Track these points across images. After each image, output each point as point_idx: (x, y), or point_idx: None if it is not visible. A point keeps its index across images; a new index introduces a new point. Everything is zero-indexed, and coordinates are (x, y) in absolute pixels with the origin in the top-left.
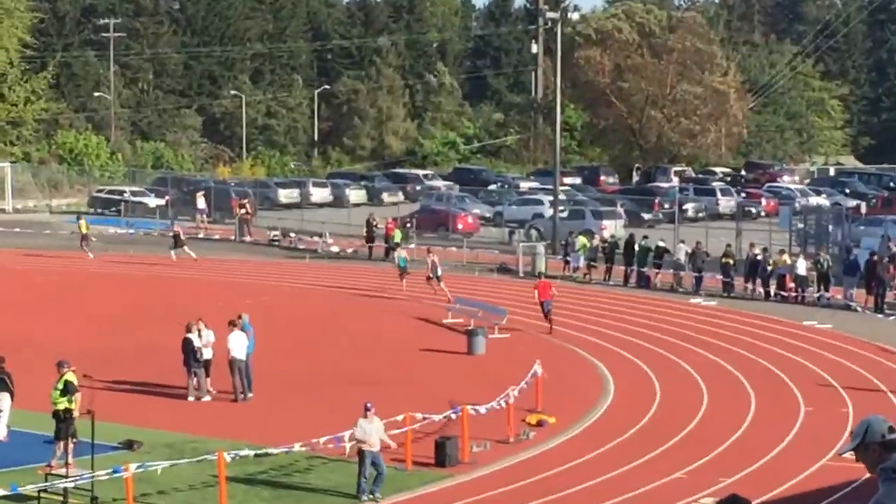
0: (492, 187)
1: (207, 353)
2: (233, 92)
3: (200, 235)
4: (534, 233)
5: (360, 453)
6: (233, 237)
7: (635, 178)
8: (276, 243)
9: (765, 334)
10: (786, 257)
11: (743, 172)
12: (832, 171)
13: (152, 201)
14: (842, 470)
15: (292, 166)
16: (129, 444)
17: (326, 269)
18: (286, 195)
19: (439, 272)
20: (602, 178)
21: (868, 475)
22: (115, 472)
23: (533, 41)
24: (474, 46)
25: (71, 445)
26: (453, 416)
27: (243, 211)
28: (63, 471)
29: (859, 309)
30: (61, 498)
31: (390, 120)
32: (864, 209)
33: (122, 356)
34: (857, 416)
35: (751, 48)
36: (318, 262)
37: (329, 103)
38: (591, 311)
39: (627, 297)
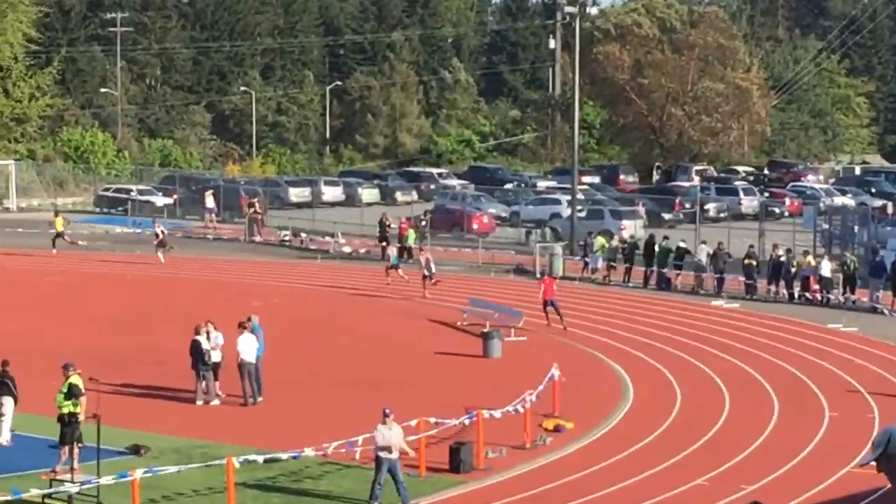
0: (508, 186)
1: (216, 356)
2: (242, 88)
3: (209, 235)
4: (548, 231)
5: (378, 460)
6: (242, 237)
7: (655, 177)
8: (287, 243)
9: (788, 338)
10: (810, 258)
11: (766, 171)
12: (858, 170)
13: (160, 200)
14: (867, 477)
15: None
16: (135, 449)
17: (339, 270)
18: (297, 194)
19: (433, 270)
20: (621, 177)
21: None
22: (121, 477)
23: (550, 36)
24: (490, 41)
25: (76, 450)
26: (468, 420)
27: (253, 210)
28: (68, 476)
29: (886, 311)
30: None
31: (404, 117)
32: (890, 209)
33: (128, 358)
34: (882, 422)
35: (774, 44)
36: (330, 262)
37: (341, 100)
38: (609, 313)
39: (647, 299)
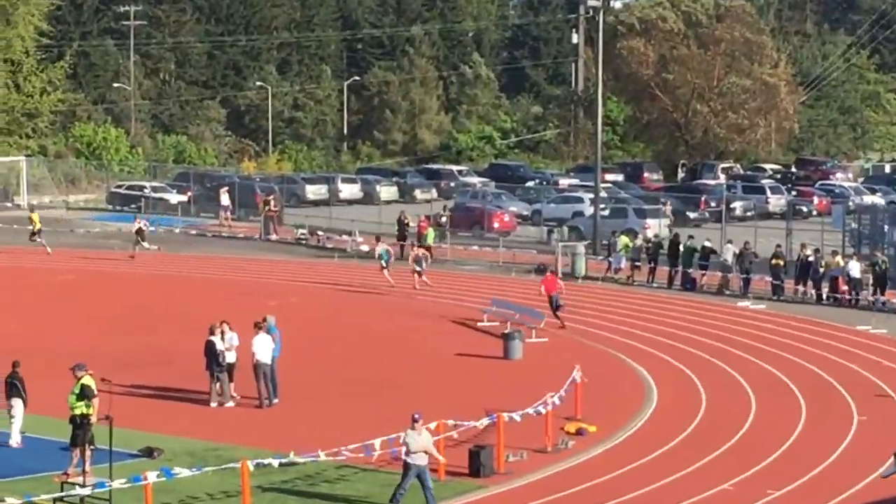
0: (529, 184)
1: (231, 357)
2: (258, 83)
3: (224, 233)
4: (564, 230)
5: (406, 466)
6: (258, 235)
7: (680, 174)
8: (304, 242)
9: (816, 339)
10: (839, 259)
11: (794, 169)
12: (888, 168)
13: (174, 197)
14: None
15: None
16: (148, 452)
17: (356, 270)
18: (314, 191)
19: (424, 266)
20: (645, 174)
21: None
22: (134, 481)
23: (573, 31)
24: (512, 36)
25: (88, 453)
26: (488, 423)
27: (269, 208)
28: (80, 479)
29: None
30: None
31: (423, 113)
32: None
33: (138, 359)
34: None
35: (802, 39)
36: (348, 261)
37: (359, 95)
38: (633, 314)
39: (672, 299)
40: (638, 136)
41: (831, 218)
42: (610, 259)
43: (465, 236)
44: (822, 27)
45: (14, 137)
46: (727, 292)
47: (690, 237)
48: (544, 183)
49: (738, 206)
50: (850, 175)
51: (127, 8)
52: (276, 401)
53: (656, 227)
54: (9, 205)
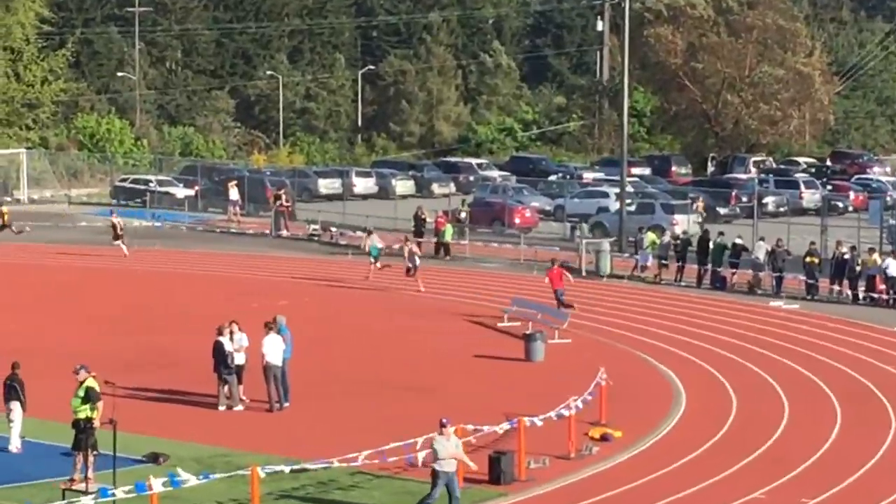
0: (552, 178)
1: (240, 359)
2: (269, 72)
3: (233, 229)
4: (584, 227)
5: (434, 474)
6: (268, 231)
7: (710, 168)
8: (316, 238)
9: (852, 341)
10: (876, 256)
11: (829, 163)
12: None
13: (180, 191)
14: None
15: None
16: (154, 458)
17: (371, 267)
18: (327, 185)
19: (417, 262)
20: (673, 168)
21: None
22: (138, 488)
23: (598, 18)
24: (534, 23)
25: (91, 458)
26: (508, 428)
27: (280, 203)
28: (82, 486)
29: None
30: None
31: (441, 104)
32: None
33: (140, 361)
34: None
35: (838, 26)
36: (362, 258)
37: (374, 85)
38: (661, 314)
39: (701, 299)
40: (665, 128)
41: (868, 214)
42: (636, 257)
43: (485, 233)
44: (858, 14)
45: (14, 129)
46: (759, 292)
47: (720, 234)
48: (567, 177)
49: (770, 201)
50: (888, 169)
51: None
52: (287, 404)
53: (685, 223)
54: (8, 199)
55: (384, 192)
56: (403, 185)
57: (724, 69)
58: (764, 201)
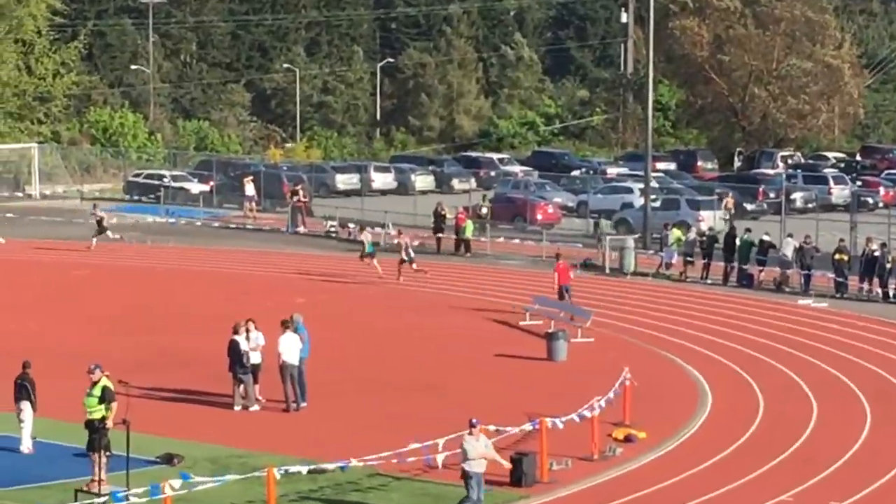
0: (575, 173)
1: (256, 358)
2: (285, 65)
3: (249, 226)
4: (603, 222)
5: (465, 475)
6: (285, 228)
7: (737, 163)
8: (334, 235)
9: (882, 340)
10: None
11: (858, 158)
12: None
13: (195, 187)
14: None
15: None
16: (168, 459)
17: (389, 264)
18: (344, 181)
19: (412, 254)
20: (699, 163)
21: None
22: (152, 489)
23: (622, 9)
24: (556, 15)
25: (104, 459)
26: (530, 429)
27: (297, 198)
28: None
29: None
30: None
31: (461, 97)
32: None
33: (158, 359)
34: None
35: (868, 18)
36: (380, 256)
37: (393, 78)
38: (686, 312)
39: (727, 296)
40: (691, 122)
41: None
42: (661, 254)
43: (506, 229)
44: (889, 5)
45: (25, 123)
46: (787, 289)
47: (747, 230)
48: (591, 172)
49: (798, 197)
50: None
51: None
52: (303, 404)
53: (711, 220)
54: (20, 194)
55: (403, 188)
56: (423, 181)
57: (751, 62)
58: (792, 197)
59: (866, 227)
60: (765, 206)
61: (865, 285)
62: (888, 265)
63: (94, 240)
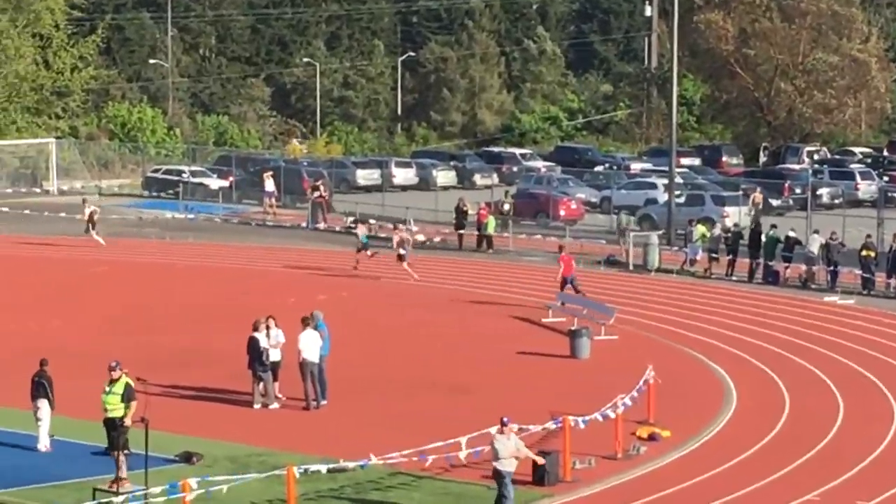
0: (598, 169)
1: (275, 355)
2: (305, 59)
3: (269, 222)
4: (623, 218)
5: (497, 474)
6: (305, 224)
7: (762, 158)
8: (354, 231)
9: None
10: None
11: (886, 153)
12: None
13: (214, 182)
14: None
15: None
16: (187, 457)
17: (411, 261)
18: (365, 176)
19: (407, 250)
20: (724, 158)
21: None
22: (171, 488)
23: (646, 3)
24: (579, 9)
25: (122, 458)
26: (553, 427)
27: (317, 194)
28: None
29: None
30: None
31: (483, 92)
32: None
33: (176, 358)
34: None
35: (895, 11)
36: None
37: (414, 73)
38: (711, 309)
39: (753, 293)
40: (716, 117)
41: None
42: (685, 250)
43: (529, 225)
44: None
45: (43, 118)
46: (813, 286)
47: (773, 226)
48: (614, 167)
49: (824, 192)
50: None
51: None
52: (324, 402)
53: (736, 216)
54: (37, 190)
55: (425, 184)
56: (445, 176)
57: (776, 56)
58: (818, 193)
59: (893, 223)
60: (790, 201)
61: (892, 282)
62: None
63: (95, 235)
